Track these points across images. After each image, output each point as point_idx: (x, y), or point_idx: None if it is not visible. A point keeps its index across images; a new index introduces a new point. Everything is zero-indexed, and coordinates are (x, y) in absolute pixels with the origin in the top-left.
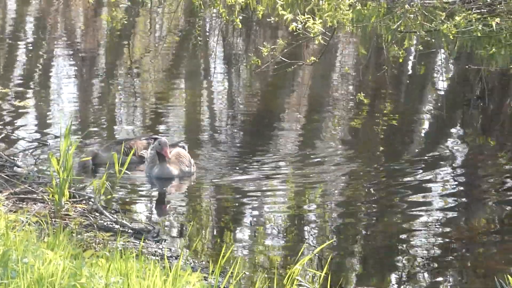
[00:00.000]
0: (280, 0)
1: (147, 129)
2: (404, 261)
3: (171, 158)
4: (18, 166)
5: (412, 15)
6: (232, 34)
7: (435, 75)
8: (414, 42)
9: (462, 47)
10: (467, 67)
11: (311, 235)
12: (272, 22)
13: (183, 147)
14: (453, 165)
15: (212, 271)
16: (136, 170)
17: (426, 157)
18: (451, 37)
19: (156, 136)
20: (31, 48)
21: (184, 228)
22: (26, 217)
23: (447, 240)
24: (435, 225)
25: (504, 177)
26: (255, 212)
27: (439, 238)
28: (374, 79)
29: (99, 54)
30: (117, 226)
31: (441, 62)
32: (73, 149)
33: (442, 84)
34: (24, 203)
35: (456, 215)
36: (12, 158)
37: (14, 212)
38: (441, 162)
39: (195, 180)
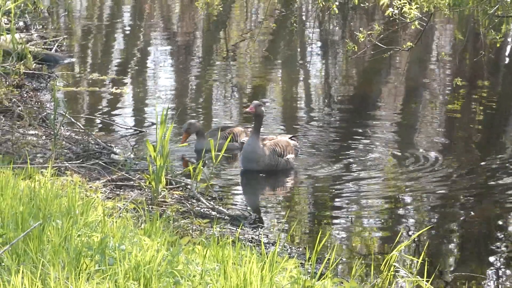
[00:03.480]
0: None
1: (244, 115)
2: (502, 248)
3: (270, 143)
4: (116, 153)
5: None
6: (328, 20)
7: None
8: None
9: None
10: None
11: (407, 221)
12: (368, 7)
13: (295, 139)
14: None
15: (309, 258)
16: (236, 157)
17: None
18: None
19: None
20: (128, 35)
21: (280, 215)
22: (123, 204)
23: None
24: None
25: None
26: (352, 199)
27: None
28: (471, 64)
29: (195, 41)
30: (213, 213)
31: None
32: (168, 136)
33: None
34: (121, 190)
35: None
36: (110, 145)
37: (112, 199)
38: None
39: (292, 166)
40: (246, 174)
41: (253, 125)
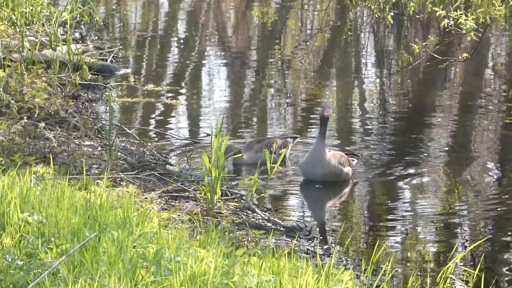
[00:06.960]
0: None
1: (298, 127)
2: None
3: (335, 154)
4: (171, 164)
5: None
6: (383, 30)
7: None
8: None
9: None
10: None
11: (463, 233)
12: (423, 18)
13: (353, 159)
14: None
15: (365, 269)
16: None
17: None
18: None
19: (294, 135)
20: (182, 46)
21: (336, 226)
22: (179, 215)
23: None
24: None
25: None
26: (407, 210)
27: None
28: None
29: (250, 51)
30: (269, 224)
31: None
32: (224, 147)
33: None
34: (177, 201)
35: None
36: (165, 156)
37: (167, 210)
38: None
39: (351, 179)
40: (301, 186)
41: (319, 130)
